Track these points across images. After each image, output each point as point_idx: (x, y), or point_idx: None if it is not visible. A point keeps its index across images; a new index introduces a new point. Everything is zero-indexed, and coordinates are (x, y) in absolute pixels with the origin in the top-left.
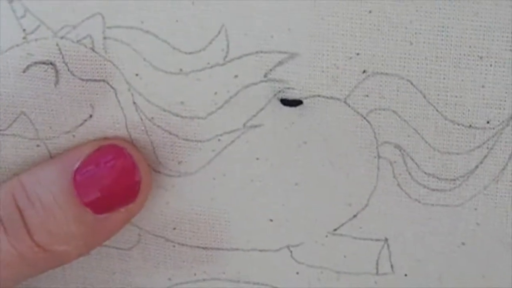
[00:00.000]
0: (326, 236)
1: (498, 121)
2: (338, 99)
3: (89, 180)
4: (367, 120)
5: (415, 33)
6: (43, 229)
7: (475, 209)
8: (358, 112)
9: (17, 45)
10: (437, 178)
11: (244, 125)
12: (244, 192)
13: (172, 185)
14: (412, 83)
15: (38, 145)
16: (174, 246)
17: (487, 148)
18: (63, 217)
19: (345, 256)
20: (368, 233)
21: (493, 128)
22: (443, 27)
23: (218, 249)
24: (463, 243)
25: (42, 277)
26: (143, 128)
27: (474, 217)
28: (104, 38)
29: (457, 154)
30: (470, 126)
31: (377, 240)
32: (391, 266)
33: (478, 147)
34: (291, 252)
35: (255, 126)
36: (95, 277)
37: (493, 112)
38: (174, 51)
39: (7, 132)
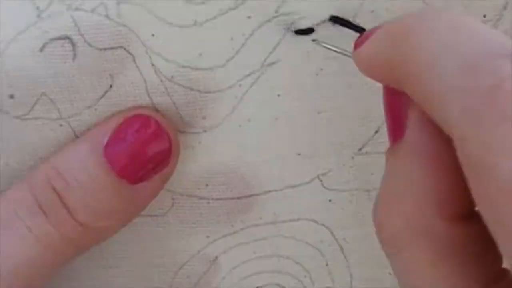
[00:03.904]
0: (352, 157)
1: (493, 13)
2: (348, 21)
3: (120, 153)
4: None
5: None
6: (84, 207)
7: None
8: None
9: (32, 24)
10: None
11: (262, 64)
12: (270, 132)
13: (199, 142)
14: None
15: (61, 125)
16: (208, 203)
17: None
18: (101, 192)
19: (372, 174)
20: None
21: (491, 20)
22: None
23: (252, 195)
24: None
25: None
26: (164, 89)
27: None
28: (117, 3)
29: None
30: None
31: None
32: None
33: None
34: (321, 181)
35: (273, 63)
36: (133, 248)
37: (487, 5)
38: (186, 3)
39: (29, 116)
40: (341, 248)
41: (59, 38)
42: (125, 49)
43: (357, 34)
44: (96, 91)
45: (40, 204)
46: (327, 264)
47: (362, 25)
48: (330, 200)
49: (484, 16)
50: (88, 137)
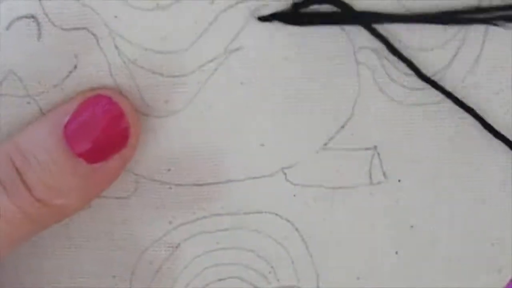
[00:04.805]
0: (317, 152)
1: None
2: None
3: (79, 132)
4: (341, 28)
5: None
6: (41, 184)
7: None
8: None
9: None
10: (417, 76)
11: (225, 50)
12: (232, 120)
13: (161, 126)
14: None
15: (28, 102)
16: (170, 188)
17: (459, 39)
18: (58, 170)
19: (338, 171)
20: (357, 143)
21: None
22: None
23: (214, 183)
24: (451, 138)
25: (45, 234)
26: (127, 72)
27: (456, 111)
28: None
29: (431, 49)
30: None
31: (367, 149)
32: (384, 173)
33: (451, 39)
34: (285, 174)
35: (237, 49)
36: (96, 229)
37: (460, 3)
38: None
39: None
40: (306, 246)
41: (25, 17)
42: (88, 30)
43: None
44: (62, 70)
45: (0, 178)
46: (292, 262)
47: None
48: (294, 195)
49: None
50: (50, 116)
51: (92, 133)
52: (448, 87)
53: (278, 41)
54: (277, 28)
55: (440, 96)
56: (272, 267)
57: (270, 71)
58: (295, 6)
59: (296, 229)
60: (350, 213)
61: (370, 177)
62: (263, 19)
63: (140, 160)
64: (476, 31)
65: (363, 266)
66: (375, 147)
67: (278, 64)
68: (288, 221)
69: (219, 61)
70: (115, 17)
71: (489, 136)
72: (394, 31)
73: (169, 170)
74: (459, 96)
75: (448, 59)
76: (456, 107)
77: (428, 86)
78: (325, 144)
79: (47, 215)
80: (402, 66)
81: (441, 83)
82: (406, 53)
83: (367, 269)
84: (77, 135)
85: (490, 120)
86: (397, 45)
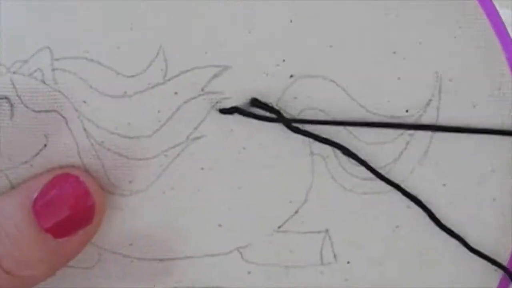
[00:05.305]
0: (272, 234)
1: (416, 109)
2: (269, 104)
3: (47, 208)
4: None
5: (334, 37)
6: (10, 256)
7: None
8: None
9: None
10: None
11: (187, 138)
12: (192, 201)
13: (126, 204)
14: (335, 82)
15: None
16: (132, 262)
17: (409, 134)
18: (26, 244)
19: (291, 251)
20: (310, 226)
21: (413, 116)
22: (358, 28)
23: (173, 259)
24: (397, 226)
25: None
26: (94, 152)
27: (405, 201)
28: (53, 69)
29: (383, 143)
30: (391, 116)
31: (319, 232)
32: (334, 255)
33: (401, 134)
34: (241, 253)
35: (198, 138)
36: None
37: (410, 101)
38: (117, 76)
39: None
40: None
41: None
42: (58, 112)
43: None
44: (32, 148)
45: None
46: None
47: (282, 110)
48: (249, 272)
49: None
50: (19, 190)
51: (60, 210)
52: (397, 178)
53: (237, 132)
54: (237, 120)
55: (389, 185)
56: None
57: (229, 158)
58: (253, 101)
59: None
60: None
61: (321, 258)
62: (224, 111)
63: (104, 234)
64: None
65: None
66: (327, 230)
67: (237, 153)
68: None
69: (180, 148)
70: (84, 102)
71: (436, 227)
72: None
73: (131, 244)
74: (408, 187)
75: (398, 152)
76: (405, 197)
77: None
78: (279, 227)
79: (15, 285)
80: (355, 157)
81: (391, 173)
82: (358, 145)
83: None
84: (45, 211)
85: (436, 211)
86: (349, 138)
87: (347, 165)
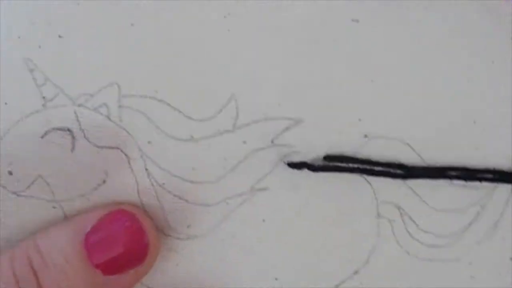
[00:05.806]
0: None
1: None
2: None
3: (100, 243)
4: (367, 181)
5: (414, 100)
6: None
7: (470, 263)
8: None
9: (37, 112)
10: (434, 234)
11: (251, 188)
12: (251, 252)
13: (182, 248)
14: (410, 145)
15: (54, 207)
16: None
17: (480, 206)
18: (75, 278)
19: None
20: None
21: (486, 188)
22: (439, 94)
23: None
24: None
25: None
26: (154, 193)
27: (469, 271)
28: (119, 106)
29: (453, 211)
30: (464, 186)
31: None
32: None
33: (472, 205)
34: None
35: (262, 189)
36: None
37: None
38: (185, 118)
39: (25, 194)
40: None
41: (61, 129)
42: (121, 150)
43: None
44: (90, 183)
45: (17, 279)
46: None
47: (357, 167)
48: None
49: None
50: (73, 223)
51: (112, 247)
52: (464, 249)
53: (303, 187)
54: (304, 175)
55: (454, 254)
56: None
57: (292, 213)
58: (326, 158)
59: None
60: None
61: None
62: (292, 165)
63: (157, 275)
64: (498, 197)
65: None
66: None
67: (301, 208)
68: None
69: (243, 198)
70: (149, 142)
71: None
72: (418, 190)
73: None
74: (472, 258)
75: (467, 221)
76: (469, 267)
77: (444, 243)
78: (336, 286)
79: None
80: (422, 222)
81: (458, 242)
82: (427, 211)
83: None
84: (97, 246)
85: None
86: (419, 203)
87: (414, 230)
